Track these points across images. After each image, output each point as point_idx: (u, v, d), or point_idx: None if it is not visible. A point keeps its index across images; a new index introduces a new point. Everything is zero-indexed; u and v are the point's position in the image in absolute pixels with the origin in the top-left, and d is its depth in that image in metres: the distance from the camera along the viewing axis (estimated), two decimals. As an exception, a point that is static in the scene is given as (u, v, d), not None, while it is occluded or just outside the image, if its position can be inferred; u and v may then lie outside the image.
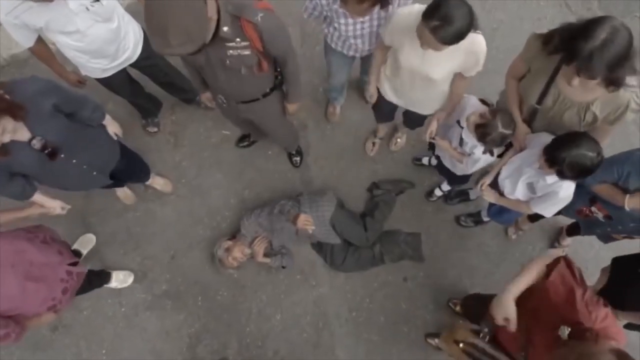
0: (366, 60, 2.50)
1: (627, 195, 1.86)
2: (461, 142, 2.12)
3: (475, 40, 1.77)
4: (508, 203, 2.15)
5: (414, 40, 1.76)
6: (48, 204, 2.11)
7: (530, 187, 1.97)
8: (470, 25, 1.63)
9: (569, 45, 1.51)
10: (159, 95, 3.00)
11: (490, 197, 2.18)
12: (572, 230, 2.80)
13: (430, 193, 3.02)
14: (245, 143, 3.09)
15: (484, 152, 2.05)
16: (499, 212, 2.51)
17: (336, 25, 2.08)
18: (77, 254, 2.76)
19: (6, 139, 1.66)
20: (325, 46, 2.41)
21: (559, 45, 1.58)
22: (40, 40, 2.05)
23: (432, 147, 2.81)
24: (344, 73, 2.58)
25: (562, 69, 1.67)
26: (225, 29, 1.58)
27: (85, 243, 2.87)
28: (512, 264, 2.95)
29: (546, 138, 1.83)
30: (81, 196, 2.95)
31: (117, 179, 2.58)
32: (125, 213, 3.00)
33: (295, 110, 2.30)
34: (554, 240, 2.97)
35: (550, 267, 1.59)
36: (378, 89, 2.32)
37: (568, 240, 2.90)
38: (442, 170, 2.69)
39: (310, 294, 2.86)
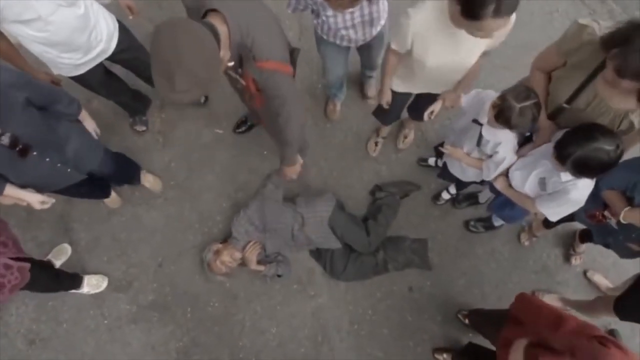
0: (364, 51, 2.32)
1: (627, 208, 1.73)
2: (479, 142, 1.91)
3: None
4: (514, 195, 1.97)
5: (440, 32, 1.60)
6: (26, 197, 1.89)
7: (542, 182, 1.79)
8: None
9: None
10: (148, 92, 2.82)
11: (500, 183, 2.00)
12: (585, 237, 2.64)
13: (437, 196, 2.83)
14: (243, 128, 2.93)
15: (519, 137, 1.84)
16: (502, 205, 2.31)
17: (324, 18, 1.93)
18: (49, 265, 2.57)
19: None
20: (316, 38, 2.23)
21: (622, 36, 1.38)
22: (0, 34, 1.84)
23: (438, 152, 2.63)
24: (340, 67, 2.40)
25: (604, 68, 1.46)
26: (230, 64, 1.48)
27: (59, 254, 2.68)
28: (526, 272, 2.76)
29: None
30: (64, 200, 2.77)
31: (106, 184, 2.47)
32: (110, 218, 2.81)
33: (293, 173, 2.12)
34: (569, 247, 2.78)
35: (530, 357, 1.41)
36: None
37: (582, 247, 2.72)
38: (446, 176, 2.50)
39: (308, 305, 2.67)
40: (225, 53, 1.32)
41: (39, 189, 1.99)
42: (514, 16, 1.58)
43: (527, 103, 1.62)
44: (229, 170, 2.90)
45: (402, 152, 2.94)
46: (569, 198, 1.68)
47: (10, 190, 1.84)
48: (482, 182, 2.41)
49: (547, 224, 2.64)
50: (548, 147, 1.76)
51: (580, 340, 1.34)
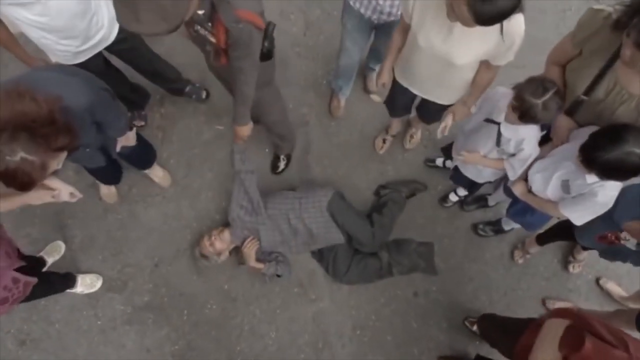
0: (382, 32, 2.22)
1: None
2: (498, 141, 1.81)
3: (512, 20, 1.46)
4: (534, 201, 1.86)
5: (438, 16, 1.52)
6: (59, 186, 1.79)
7: (565, 185, 1.68)
8: (517, 5, 1.33)
9: None
10: (148, 86, 2.73)
11: (518, 188, 1.90)
12: None
13: (444, 198, 2.73)
14: None
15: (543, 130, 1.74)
16: (522, 212, 2.19)
17: None
18: (41, 262, 2.48)
19: (60, 166, 1.45)
20: (343, 7, 2.16)
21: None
22: None
23: (446, 154, 2.53)
24: (357, 48, 2.31)
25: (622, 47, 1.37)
26: (200, 12, 1.43)
27: (52, 251, 2.58)
28: (536, 278, 2.66)
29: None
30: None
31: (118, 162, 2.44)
32: (106, 215, 2.71)
33: (245, 134, 1.99)
34: (568, 254, 2.68)
35: (570, 337, 1.29)
36: (393, 76, 2.05)
37: (583, 254, 2.61)
38: (459, 180, 2.40)
39: (309, 309, 2.58)
40: None
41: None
42: (514, 38, 1.53)
43: (548, 96, 1.53)
44: (229, 168, 2.80)
45: (409, 152, 2.85)
46: (596, 201, 1.58)
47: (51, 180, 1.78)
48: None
49: (539, 240, 2.52)
50: (569, 148, 1.66)
51: (634, 339, 1.23)
